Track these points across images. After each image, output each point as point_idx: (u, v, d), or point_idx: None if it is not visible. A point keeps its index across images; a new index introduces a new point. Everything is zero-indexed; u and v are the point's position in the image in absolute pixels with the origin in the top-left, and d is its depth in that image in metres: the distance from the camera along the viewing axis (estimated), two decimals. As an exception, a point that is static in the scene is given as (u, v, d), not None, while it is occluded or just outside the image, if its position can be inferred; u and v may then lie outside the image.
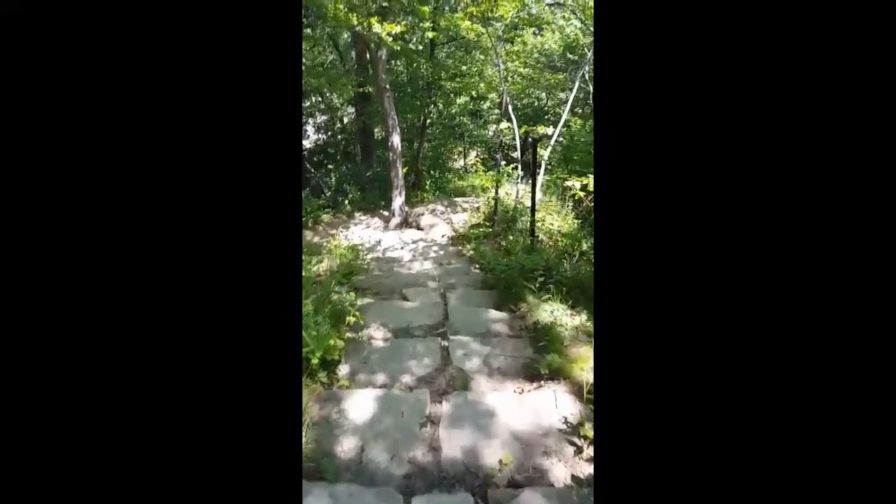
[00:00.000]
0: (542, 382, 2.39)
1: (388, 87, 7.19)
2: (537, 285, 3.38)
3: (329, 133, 12.66)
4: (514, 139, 6.42)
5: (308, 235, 7.80)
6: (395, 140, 7.39)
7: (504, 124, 5.81)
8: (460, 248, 5.64)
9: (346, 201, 9.06)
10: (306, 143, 12.72)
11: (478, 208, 7.28)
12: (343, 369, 2.52)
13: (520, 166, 6.26)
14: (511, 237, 5.29)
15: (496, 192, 6.26)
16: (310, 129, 12.48)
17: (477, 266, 4.69)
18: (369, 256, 5.63)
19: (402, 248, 6.28)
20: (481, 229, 5.87)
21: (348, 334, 2.82)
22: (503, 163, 10.15)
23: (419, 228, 7.20)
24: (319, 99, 11.77)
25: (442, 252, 5.57)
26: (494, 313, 3.24)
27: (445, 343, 2.80)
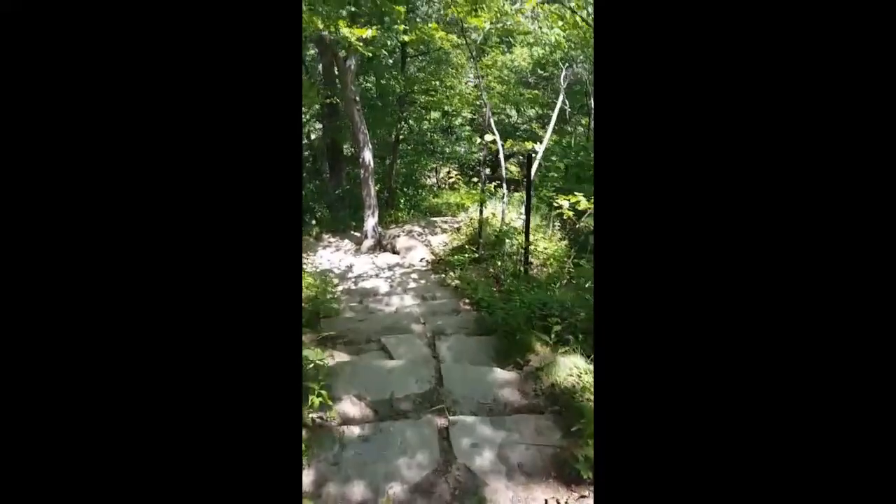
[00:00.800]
0: (587, 491, 1.71)
1: (357, 98, 6.49)
2: (552, 336, 2.70)
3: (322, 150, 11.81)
4: (489, 155, 5.83)
5: (270, 261, 6.95)
6: (367, 156, 6.67)
7: (489, 137, 5.18)
8: (443, 275, 4.94)
9: (314, 221, 8.23)
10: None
11: (458, 229, 6.63)
12: (305, 478, 1.76)
13: (505, 184, 5.66)
14: (500, 263, 4.65)
15: (480, 212, 5.61)
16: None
17: (467, 301, 3.99)
18: (340, 288, 4.85)
19: (376, 275, 5.53)
20: (465, 254, 5.20)
21: (312, 416, 2.07)
22: (486, 180, 9.63)
23: (395, 252, 6.47)
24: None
25: (423, 281, 4.86)
26: (500, 373, 2.54)
27: (444, 423, 2.09)
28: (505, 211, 5.47)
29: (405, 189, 9.74)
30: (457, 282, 4.43)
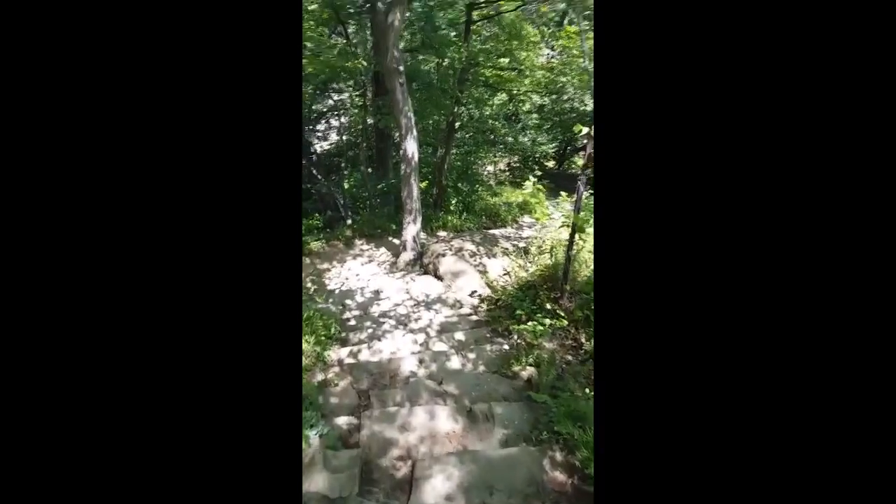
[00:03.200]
0: None
1: (401, 69, 4.65)
2: None
3: (351, 135, 10.21)
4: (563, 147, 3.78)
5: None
6: (411, 146, 4.85)
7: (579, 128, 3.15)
8: (505, 342, 3.06)
9: (345, 226, 6.58)
10: (322, 146, 10.33)
11: (525, 251, 4.69)
12: None
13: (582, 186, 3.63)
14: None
15: (570, 243, 3.61)
16: (314, 132, 10.06)
17: (553, 425, 2.07)
18: (345, 351, 3.11)
19: (406, 321, 3.75)
20: (538, 299, 3.27)
21: None
22: (537, 174, 7.58)
23: (437, 276, 4.65)
24: (339, 97, 9.33)
25: (472, 349, 3.01)
26: None
27: None
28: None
29: (458, 185, 7.84)
30: (529, 370, 2.52)
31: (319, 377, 2.56)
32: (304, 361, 2.66)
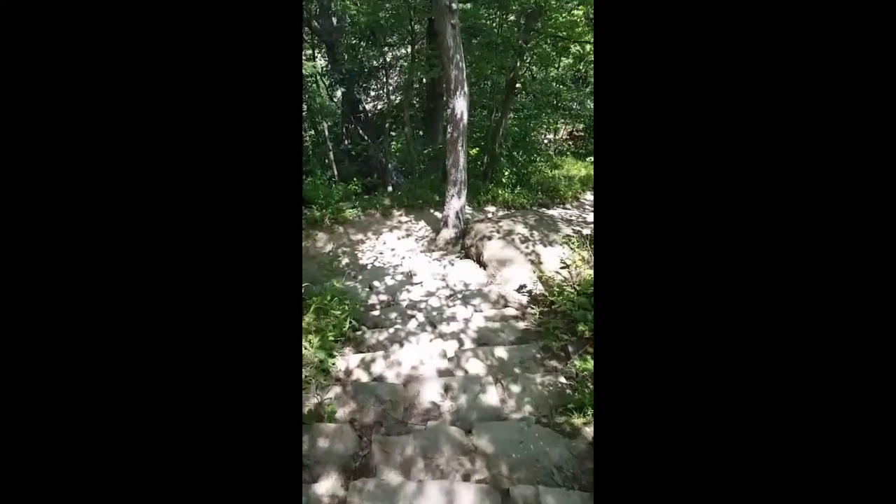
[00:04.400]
0: None
1: (454, 6, 3.72)
2: None
3: (402, 93, 9.40)
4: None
5: (319, 241, 4.80)
6: (460, 104, 3.99)
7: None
8: (559, 368, 2.29)
9: (385, 194, 5.89)
10: (377, 106, 9.59)
11: (590, 239, 3.80)
12: None
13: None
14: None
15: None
16: (365, 89, 9.26)
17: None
18: (356, 359, 2.47)
19: (436, 320, 3.06)
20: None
21: None
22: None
23: (480, 262, 3.88)
24: (396, 52, 8.46)
25: (517, 368, 2.26)
26: None
27: None
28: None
29: (513, 154, 6.87)
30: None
31: (313, 401, 1.93)
32: (303, 373, 2.04)
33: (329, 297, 2.88)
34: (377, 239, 4.95)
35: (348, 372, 2.21)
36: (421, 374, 2.22)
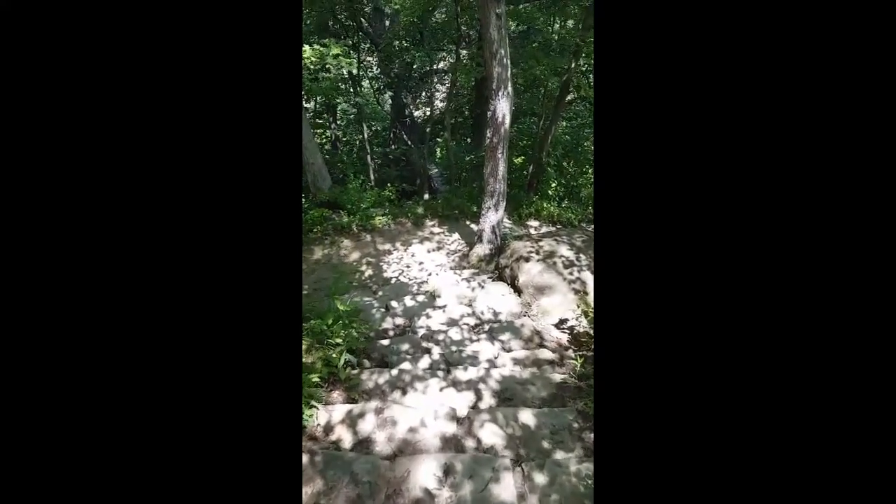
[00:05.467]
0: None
1: (501, -8, 3.20)
2: None
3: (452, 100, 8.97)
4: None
5: (343, 248, 4.42)
6: (502, 105, 3.46)
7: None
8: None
9: (418, 202, 5.46)
10: (426, 111, 9.27)
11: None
12: None
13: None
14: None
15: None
16: (414, 95, 8.94)
17: None
18: (340, 412, 2.00)
19: (454, 360, 2.55)
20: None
21: None
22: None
23: (515, 287, 3.31)
24: (446, 58, 8.09)
25: (547, 444, 1.69)
26: None
27: None
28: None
29: (563, 164, 6.20)
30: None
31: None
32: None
33: (330, 321, 2.44)
34: (405, 250, 4.50)
35: (328, 428, 1.74)
36: (419, 441, 1.70)
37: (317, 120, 10.01)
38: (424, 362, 2.38)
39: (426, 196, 6.16)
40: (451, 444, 1.70)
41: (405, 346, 2.56)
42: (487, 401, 2.00)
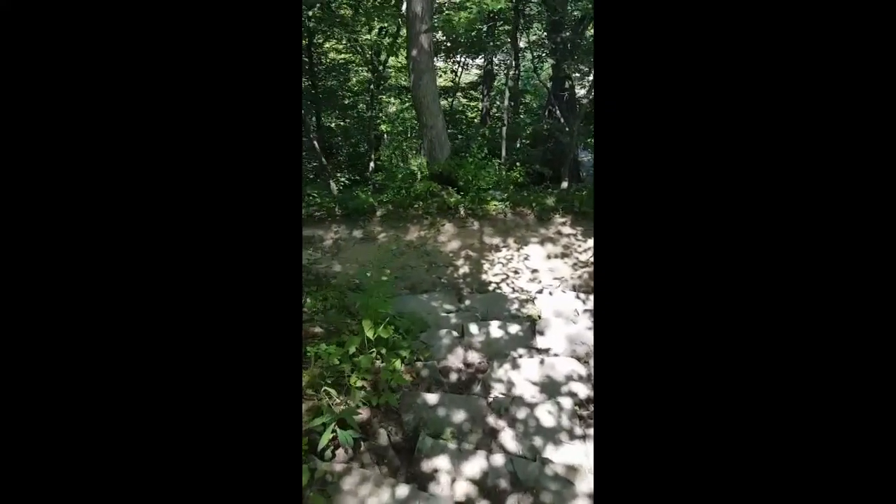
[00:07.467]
0: None
1: None
2: None
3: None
4: None
5: (444, 234, 3.56)
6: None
7: None
8: None
9: (549, 191, 4.25)
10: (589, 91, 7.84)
11: None
12: None
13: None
14: None
15: None
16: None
17: None
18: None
19: (523, 489, 1.42)
20: None
21: None
22: None
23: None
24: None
25: None
26: None
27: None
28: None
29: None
30: None
31: None
32: None
33: (353, 349, 1.59)
34: (518, 250, 3.43)
35: None
36: None
37: (471, 92, 9.26)
38: (476, 465, 1.37)
39: (564, 184, 4.87)
40: None
41: (459, 417, 1.58)
42: None
